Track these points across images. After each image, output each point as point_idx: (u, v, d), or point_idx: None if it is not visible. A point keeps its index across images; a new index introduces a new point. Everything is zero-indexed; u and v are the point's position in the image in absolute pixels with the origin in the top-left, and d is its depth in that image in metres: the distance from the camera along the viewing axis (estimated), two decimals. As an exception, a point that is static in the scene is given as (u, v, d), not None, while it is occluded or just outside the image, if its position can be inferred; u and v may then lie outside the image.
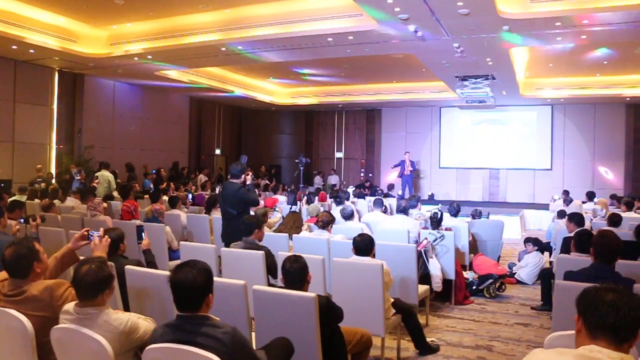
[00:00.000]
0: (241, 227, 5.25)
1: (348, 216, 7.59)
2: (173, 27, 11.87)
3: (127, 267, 3.95)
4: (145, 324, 2.95)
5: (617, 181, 18.34)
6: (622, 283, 3.70)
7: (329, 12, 10.35)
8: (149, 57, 12.84)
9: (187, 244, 5.70)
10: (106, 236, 3.87)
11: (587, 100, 17.77)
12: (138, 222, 7.26)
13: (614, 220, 7.34)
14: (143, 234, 4.98)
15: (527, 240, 8.58)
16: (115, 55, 12.89)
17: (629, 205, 10.36)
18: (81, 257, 3.50)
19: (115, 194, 11.60)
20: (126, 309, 3.83)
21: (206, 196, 11.45)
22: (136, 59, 13.05)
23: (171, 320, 2.67)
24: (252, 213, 6.36)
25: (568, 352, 1.94)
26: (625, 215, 8.78)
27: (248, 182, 6.63)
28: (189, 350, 2.43)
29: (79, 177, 12.37)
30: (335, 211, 8.36)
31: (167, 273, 2.98)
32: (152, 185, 14.90)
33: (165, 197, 10.57)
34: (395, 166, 18.62)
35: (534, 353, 2.03)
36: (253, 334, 3.57)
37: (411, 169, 18.28)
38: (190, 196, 12.56)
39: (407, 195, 16.70)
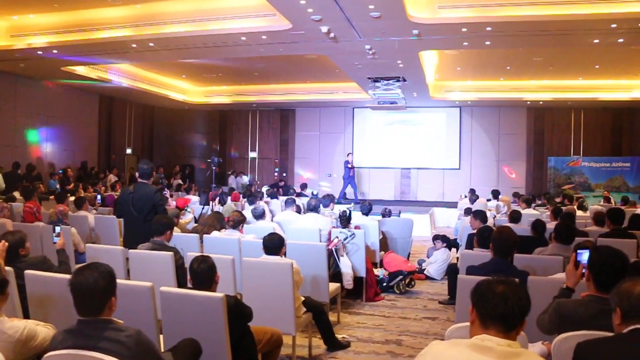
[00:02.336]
0: (152, 226, 5.08)
1: (259, 215, 7.59)
2: (81, 21, 11.31)
3: (27, 272, 3.74)
4: (44, 330, 2.84)
5: (520, 180, 19.37)
6: (518, 275, 3.92)
7: (242, 11, 10.25)
8: (55, 51, 12.24)
9: (94, 246, 5.50)
10: (3, 240, 3.67)
11: (492, 103, 18.64)
12: (42, 224, 7.02)
13: (514, 217, 7.79)
14: (58, 232, 4.86)
15: (436, 237, 8.83)
16: (16, 48, 12.15)
17: (528, 203, 10.98)
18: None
19: (17, 194, 10.98)
20: (27, 316, 3.65)
21: (116, 197, 11.09)
22: (40, 52, 12.41)
23: (72, 325, 2.57)
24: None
25: (462, 342, 2.05)
26: (524, 212, 9.31)
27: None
28: (90, 356, 2.36)
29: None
30: (248, 211, 8.34)
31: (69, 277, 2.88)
32: (58, 186, 14.23)
33: (73, 198, 10.14)
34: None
35: (432, 345, 2.13)
36: (161, 336, 3.51)
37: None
38: (99, 197, 12.10)
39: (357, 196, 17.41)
